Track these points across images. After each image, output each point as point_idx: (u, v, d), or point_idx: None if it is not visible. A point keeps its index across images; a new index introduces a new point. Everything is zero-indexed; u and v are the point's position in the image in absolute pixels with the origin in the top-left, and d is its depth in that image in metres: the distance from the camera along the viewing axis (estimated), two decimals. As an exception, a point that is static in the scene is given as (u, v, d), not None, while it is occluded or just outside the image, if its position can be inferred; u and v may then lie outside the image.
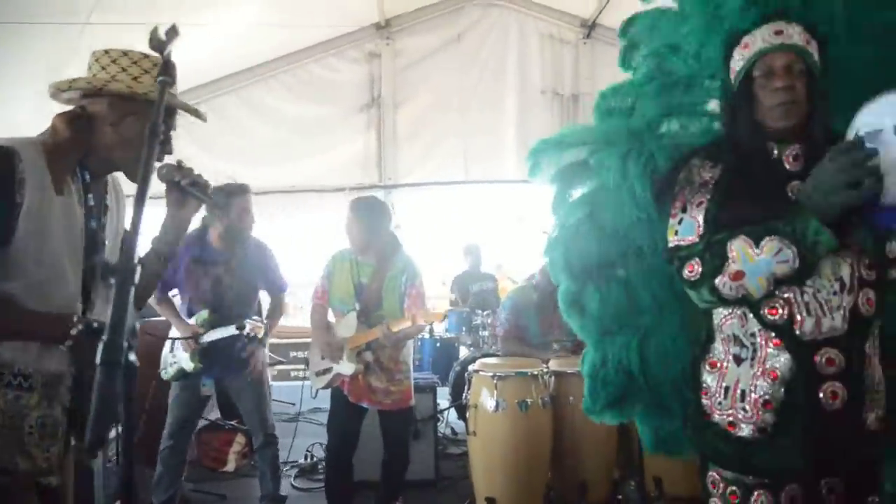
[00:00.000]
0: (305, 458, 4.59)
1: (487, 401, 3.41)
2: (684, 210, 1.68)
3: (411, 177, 6.95)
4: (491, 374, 3.44)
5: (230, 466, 4.52)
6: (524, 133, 6.82)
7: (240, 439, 4.66)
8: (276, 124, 6.75)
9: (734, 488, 1.64)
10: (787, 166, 1.65)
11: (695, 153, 1.75)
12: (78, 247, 1.67)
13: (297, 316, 7.35)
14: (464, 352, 5.80)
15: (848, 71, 1.72)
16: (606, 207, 1.97)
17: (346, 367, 3.37)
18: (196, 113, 1.81)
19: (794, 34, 1.63)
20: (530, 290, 4.19)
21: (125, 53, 1.68)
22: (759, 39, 1.65)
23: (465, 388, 3.63)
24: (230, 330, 3.41)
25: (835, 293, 1.55)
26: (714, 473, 1.69)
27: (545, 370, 3.53)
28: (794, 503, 1.60)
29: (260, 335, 3.48)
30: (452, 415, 5.26)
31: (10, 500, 1.57)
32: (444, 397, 4.95)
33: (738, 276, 1.54)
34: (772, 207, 1.56)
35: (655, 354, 1.95)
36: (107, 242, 1.78)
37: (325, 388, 3.53)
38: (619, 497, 3.60)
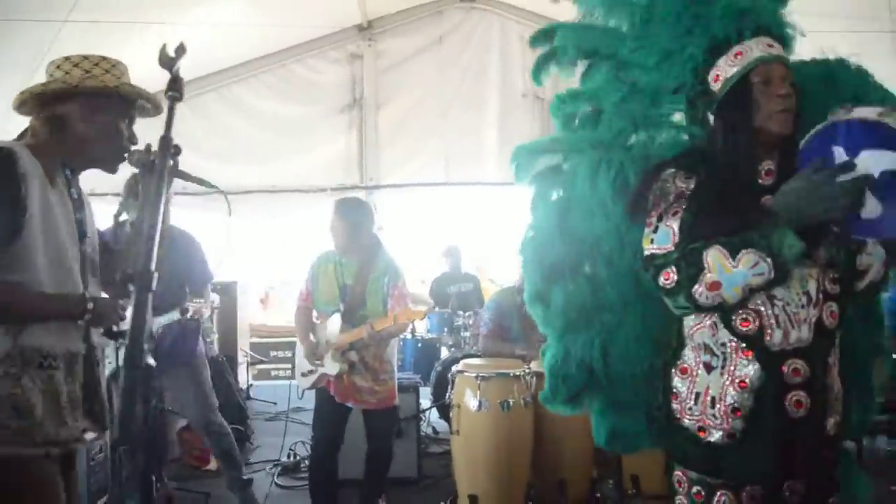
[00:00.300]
0: (288, 456, 4.62)
1: (470, 401, 3.47)
2: (660, 219, 1.71)
3: (393, 178, 7.00)
4: (474, 374, 3.50)
5: (213, 465, 4.53)
6: (505, 136, 6.89)
7: (222, 438, 4.67)
8: (257, 124, 6.76)
9: (698, 488, 1.69)
10: (760, 180, 1.70)
11: (668, 164, 1.77)
12: (74, 235, 1.82)
13: (279, 315, 7.39)
14: (445, 352, 5.86)
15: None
16: (577, 214, 1.96)
17: (331, 368, 3.41)
18: (153, 101, 1.91)
19: (781, 51, 1.70)
20: (514, 293, 4.26)
21: (85, 57, 1.81)
22: (755, 49, 1.68)
23: (449, 388, 3.69)
24: (173, 315, 3.42)
25: (802, 306, 1.62)
26: (679, 473, 1.74)
27: (527, 371, 3.60)
28: (755, 502, 1.67)
29: (206, 314, 3.48)
30: (434, 414, 5.33)
31: (48, 468, 1.71)
32: (425, 397, 5.01)
33: (715, 286, 1.58)
34: (744, 220, 1.60)
35: (617, 354, 1.95)
36: (88, 236, 1.92)
37: (310, 388, 3.57)
38: (598, 495, 3.68)
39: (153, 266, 1.15)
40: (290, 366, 6.94)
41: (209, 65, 6.51)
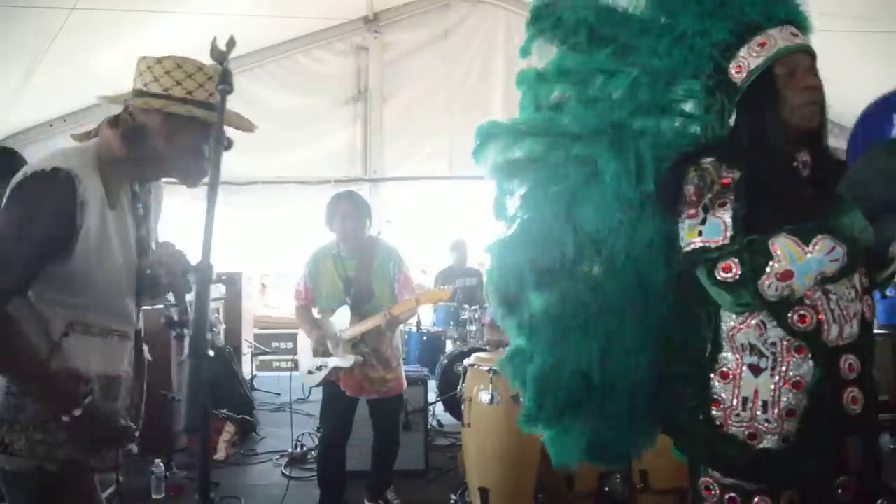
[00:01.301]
0: (295, 447, 4.63)
1: (482, 394, 3.49)
2: (706, 210, 1.60)
3: (396, 171, 7.02)
4: (486, 368, 3.52)
5: (220, 455, 4.54)
6: (509, 130, 6.90)
7: (229, 428, 4.69)
8: (262, 114, 6.65)
9: (734, 494, 1.62)
10: (802, 172, 1.66)
11: (705, 152, 1.67)
12: (132, 256, 1.73)
13: (281, 307, 7.40)
14: (450, 346, 5.88)
15: None
16: (584, 206, 1.80)
17: (345, 361, 3.41)
18: (245, 126, 1.78)
19: (806, 41, 1.64)
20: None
21: (179, 65, 1.65)
22: (778, 38, 1.62)
23: (461, 381, 3.71)
24: None
25: (852, 300, 1.58)
26: (709, 479, 1.67)
27: (539, 365, 3.62)
28: None
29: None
30: (439, 408, 5.35)
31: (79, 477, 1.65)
32: (432, 390, 5.03)
33: (787, 275, 1.50)
34: (800, 210, 1.56)
35: (616, 361, 1.81)
36: (152, 244, 1.84)
37: (319, 384, 3.56)
38: (606, 489, 3.71)
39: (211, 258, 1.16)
40: (292, 357, 6.98)
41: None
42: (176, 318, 1.62)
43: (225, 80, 1.39)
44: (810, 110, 1.60)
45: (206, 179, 1.28)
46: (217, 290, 5.55)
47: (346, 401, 3.48)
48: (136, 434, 1.77)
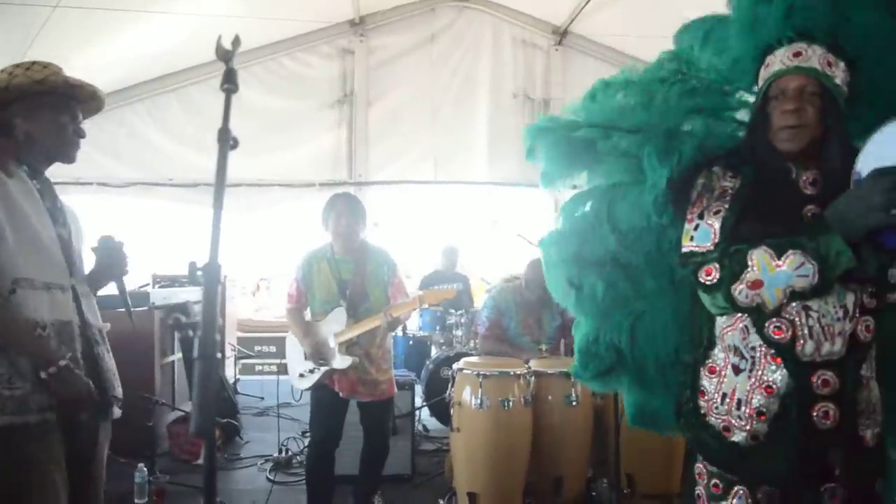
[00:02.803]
0: (280, 451, 4.59)
1: (471, 398, 3.49)
2: (701, 216, 1.70)
3: (381, 174, 6.99)
4: (475, 372, 3.52)
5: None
6: (494, 135, 6.94)
7: (213, 433, 4.63)
8: (245, 116, 6.66)
9: (717, 481, 1.73)
10: (806, 190, 1.69)
11: (715, 160, 1.76)
12: (45, 216, 1.90)
13: (264, 310, 7.34)
14: (435, 351, 5.87)
15: (887, 92, 1.70)
16: (623, 203, 1.94)
17: (341, 362, 3.36)
18: (88, 90, 2.02)
19: (814, 56, 1.64)
20: (513, 291, 4.29)
21: (17, 65, 1.92)
22: (777, 61, 1.68)
23: (449, 385, 3.70)
24: None
25: (838, 319, 1.60)
26: (700, 465, 1.78)
27: (527, 370, 3.63)
28: (771, 501, 1.68)
29: None
30: (425, 412, 5.34)
31: (48, 438, 1.80)
32: (417, 395, 5.02)
33: (757, 284, 1.57)
34: (788, 226, 1.60)
35: (644, 337, 1.99)
36: (67, 221, 2.02)
37: (310, 388, 3.50)
38: (594, 493, 3.72)
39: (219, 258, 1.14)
40: (275, 361, 6.92)
41: (198, 55, 6.42)
42: (184, 320, 1.61)
43: (230, 80, 1.38)
44: (786, 134, 1.64)
45: (214, 181, 1.27)
46: (199, 293, 5.49)
47: (337, 404, 3.44)
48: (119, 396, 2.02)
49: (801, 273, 1.54)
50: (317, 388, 3.48)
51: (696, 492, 1.80)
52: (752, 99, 1.83)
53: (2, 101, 1.88)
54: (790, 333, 1.61)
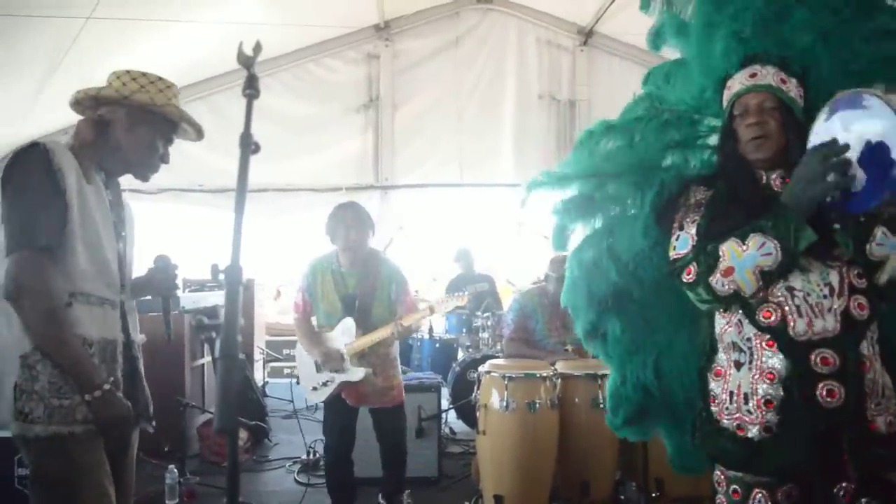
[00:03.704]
0: (308, 453, 4.63)
1: (497, 401, 3.49)
2: (681, 227, 1.86)
3: (408, 178, 7.01)
4: (501, 375, 3.51)
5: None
6: (521, 137, 6.93)
7: (242, 434, 4.69)
8: (273, 122, 6.77)
9: (735, 486, 1.77)
10: (775, 189, 1.81)
11: (693, 180, 1.94)
12: (111, 230, 1.92)
13: (290, 313, 7.40)
14: (461, 353, 5.86)
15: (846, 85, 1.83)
16: (621, 237, 2.09)
17: (355, 374, 3.35)
18: (195, 127, 2.06)
19: (768, 75, 1.82)
20: (538, 293, 4.27)
21: (144, 74, 1.96)
22: (736, 83, 1.85)
23: (475, 388, 3.70)
24: None
25: (825, 297, 1.68)
26: (719, 472, 1.83)
27: (553, 372, 3.61)
28: (791, 500, 1.71)
29: None
30: (451, 415, 5.34)
31: (92, 446, 1.81)
32: (443, 398, 5.02)
33: (729, 271, 1.70)
34: (753, 215, 1.71)
35: (669, 371, 2.09)
36: (128, 235, 2.04)
37: (325, 400, 3.45)
38: (622, 497, 3.69)
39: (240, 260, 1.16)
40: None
41: (226, 63, 6.51)
42: (206, 321, 1.64)
43: (251, 85, 1.41)
44: (753, 145, 1.80)
45: (235, 184, 1.29)
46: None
47: (349, 411, 3.43)
48: (151, 411, 2.05)
49: (764, 252, 1.66)
50: (329, 399, 3.46)
51: (718, 500, 1.84)
52: (719, 123, 1.99)
53: (113, 101, 1.91)
54: (779, 314, 1.70)
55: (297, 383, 3.61)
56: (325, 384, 3.41)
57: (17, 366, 1.75)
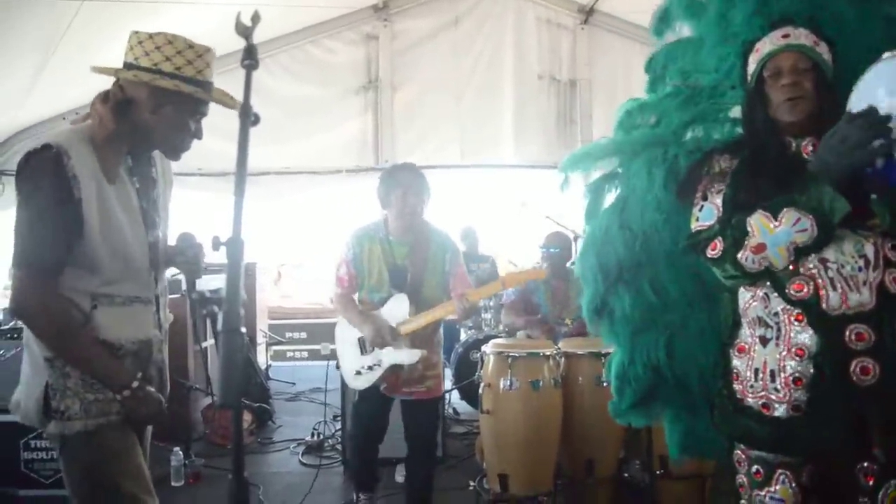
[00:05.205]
0: (312, 435, 4.64)
1: (501, 380, 3.48)
2: (705, 198, 1.78)
3: (408, 159, 6.91)
4: (505, 354, 3.51)
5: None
6: (521, 118, 6.87)
7: (246, 416, 4.70)
8: (272, 105, 6.70)
9: (758, 466, 1.70)
10: (805, 156, 1.73)
11: (716, 149, 1.87)
12: (140, 228, 1.80)
13: (295, 296, 7.41)
14: (463, 334, 5.87)
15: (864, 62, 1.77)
16: (632, 210, 2.06)
17: (408, 356, 3.03)
18: (229, 104, 1.83)
19: (801, 36, 1.74)
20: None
21: (170, 41, 1.70)
22: (767, 43, 1.77)
23: (478, 367, 3.70)
24: None
25: (860, 269, 1.59)
26: (740, 452, 1.76)
27: (557, 350, 3.61)
28: (814, 481, 1.66)
29: None
30: (455, 396, 5.35)
31: (127, 435, 1.80)
32: (447, 378, 5.03)
33: (760, 248, 1.62)
34: (785, 189, 1.63)
35: (682, 351, 2.01)
36: (160, 215, 1.90)
37: (371, 385, 3.09)
38: (626, 475, 3.70)
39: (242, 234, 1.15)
40: (306, 347, 6.99)
41: (224, 45, 6.41)
42: (207, 294, 1.62)
43: (250, 56, 1.38)
44: (788, 106, 1.71)
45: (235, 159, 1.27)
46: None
47: (383, 401, 3.14)
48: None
49: (799, 228, 1.58)
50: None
51: (738, 480, 1.78)
52: (741, 95, 1.93)
53: (132, 82, 1.70)
54: (812, 287, 1.62)
55: (337, 368, 3.30)
56: (371, 368, 3.08)
57: (45, 366, 1.71)
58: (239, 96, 1.35)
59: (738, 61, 1.89)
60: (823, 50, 1.73)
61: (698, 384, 2.00)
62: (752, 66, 1.80)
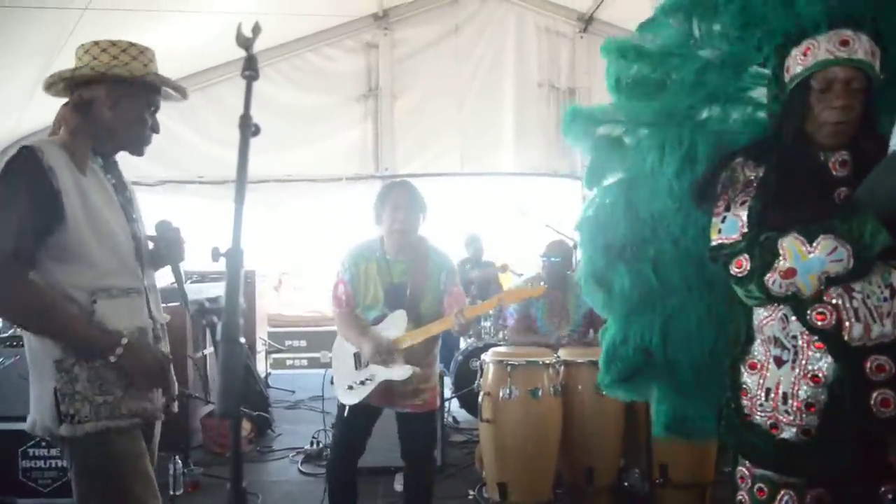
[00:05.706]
0: (311, 444, 4.63)
1: (500, 389, 3.48)
2: (727, 209, 1.67)
3: (408, 167, 7.00)
4: (504, 362, 3.51)
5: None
6: (521, 125, 6.92)
7: (245, 424, 4.69)
8: (272, 113, 6.73)
9: (761, 485, 1.66)
10: (834, 172, 1.64)
11: (738, 152, 1.72)
12: (121, 217, 1.87)
13: (295, 304, 7.40)
14: (463, 343, 5.85)
15: None
16: (641, 191, 1.92)
17: (401, 372, 2.96)
18: (180, 90, 1.96)
19: (860, 47, 1.57)
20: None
21: (114, 43, 1.85)
22: (822, 49, 1.58)
23: (478, 376, 3.69)
24: None
25: (885, 300, 1.54)
26: (743, 469, 1.71)
27: (556, 359, 3.60)
28: (820, 503, 1.62)
29: None
30: (454, 404, 5.34)
31: (135, 438, 1.82)
32: (446, 387, 5.01)
33: (790, 273, 1.53)
34: (818, 210, 1.56)
35: (677, 336, 1.93)
36: (137, 214, 1.97)
37: (361, 401, 3.01)
38: (626, 484, 3.69)
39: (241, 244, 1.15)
40: (305, 355, 6.98)
41: (224, 54, 6.49)
42: (206, 304, 1.63)
43: (250, 67, 1.39)
44: (832, 130, 1.59)
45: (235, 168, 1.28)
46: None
47: (371, 412, 3.09)
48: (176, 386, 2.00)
49: (834, 258, 1.50)
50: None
51: (739, 497, 1.74)
52: (764, 73, 1.77)
53: (90, 80, 1.82)
54: (834, 317, 1.56)
55: (331, 383, 3.24)
56: (363, 382, 3.02)
57: (53, 370, 1.73)
58: (239, 105, 1.36)
59: (774, 37, 1.69)
60: (877, 60, 1.59)
61: (690, 370, 1.93)
62: (796, 65, 1.63)
